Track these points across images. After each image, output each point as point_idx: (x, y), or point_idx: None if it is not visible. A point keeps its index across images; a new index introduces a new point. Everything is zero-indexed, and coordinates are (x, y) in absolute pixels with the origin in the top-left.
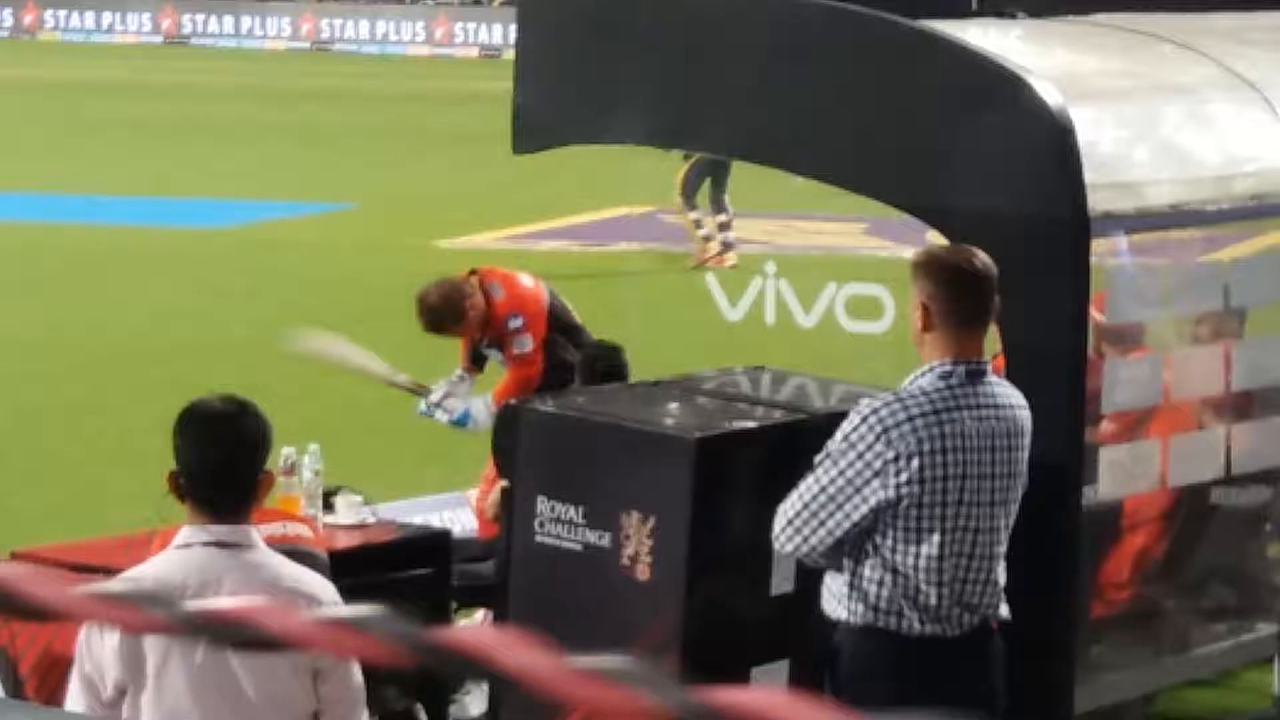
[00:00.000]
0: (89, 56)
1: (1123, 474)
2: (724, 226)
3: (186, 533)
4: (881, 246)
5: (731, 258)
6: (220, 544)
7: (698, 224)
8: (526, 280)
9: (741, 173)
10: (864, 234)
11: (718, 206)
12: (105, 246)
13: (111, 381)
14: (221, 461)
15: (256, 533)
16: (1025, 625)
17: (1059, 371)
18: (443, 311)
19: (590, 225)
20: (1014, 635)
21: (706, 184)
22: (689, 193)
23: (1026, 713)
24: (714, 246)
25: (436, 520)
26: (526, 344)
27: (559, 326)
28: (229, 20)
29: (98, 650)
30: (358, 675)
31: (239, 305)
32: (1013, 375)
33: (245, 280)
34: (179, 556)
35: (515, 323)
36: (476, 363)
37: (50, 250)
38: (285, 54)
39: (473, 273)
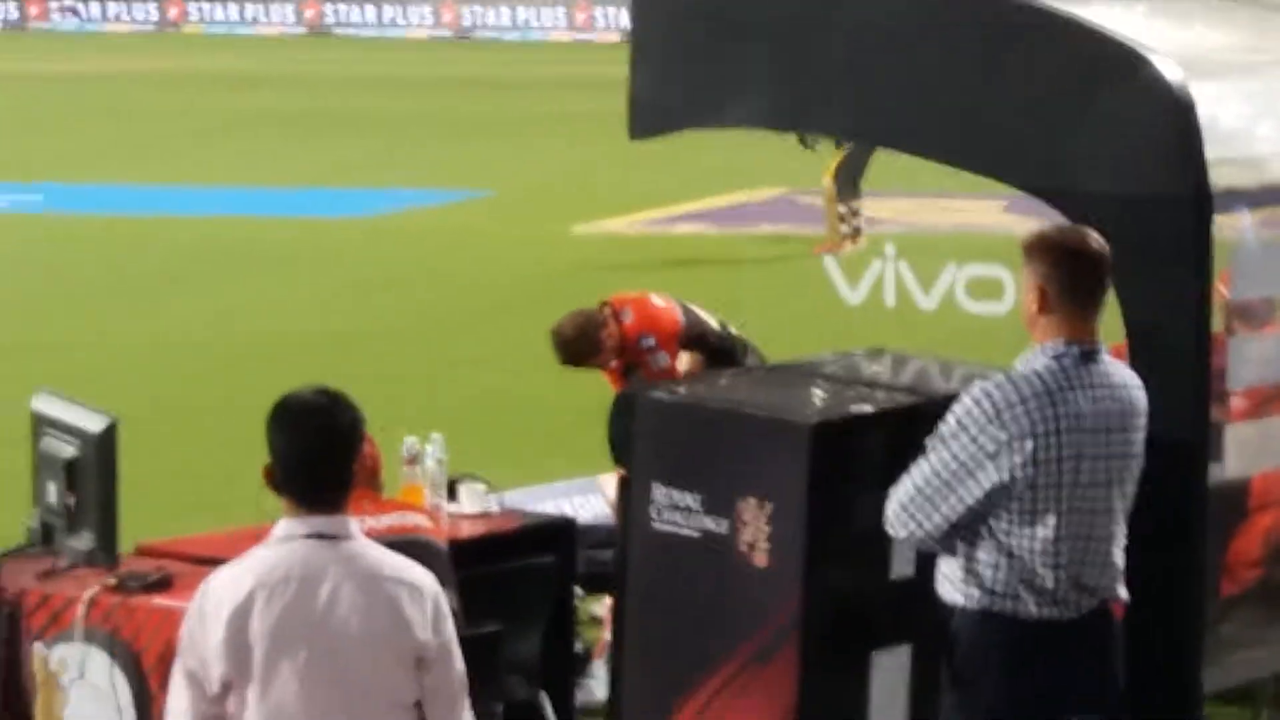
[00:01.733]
0: (233, 49)
1: (1251, 452)
2: (855, 213)
3: (285, 526)
4: (1018, 224)
5: (851, 244)
6: (320, 535)
7: (852, 213)
8: (657, 300)
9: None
10: (1002, 212)
11: (856, 192)
12: (245, 237)
13: (252, 371)
14: (317, 453)
15: (355, 523)
16: (1151, 605)
17: (1183, 349)
18: (578, 344)
19: (726, 209)
20: (1140, 615)
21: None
22: (846, 180)
23: (1155, 692)
24: (841, 234)
25: (567, 506)
26: (663, 360)
27: (694, 340)
28: (371, 10)
29: (201, 644)
30: (460, 664)
31: (376, 294)
32: (1136, 354)
33: (383, 269)
34: (282, 550)
35: (648, 342)
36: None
37: (194, 242)
38: (427, 43)
39: (605, 304)
